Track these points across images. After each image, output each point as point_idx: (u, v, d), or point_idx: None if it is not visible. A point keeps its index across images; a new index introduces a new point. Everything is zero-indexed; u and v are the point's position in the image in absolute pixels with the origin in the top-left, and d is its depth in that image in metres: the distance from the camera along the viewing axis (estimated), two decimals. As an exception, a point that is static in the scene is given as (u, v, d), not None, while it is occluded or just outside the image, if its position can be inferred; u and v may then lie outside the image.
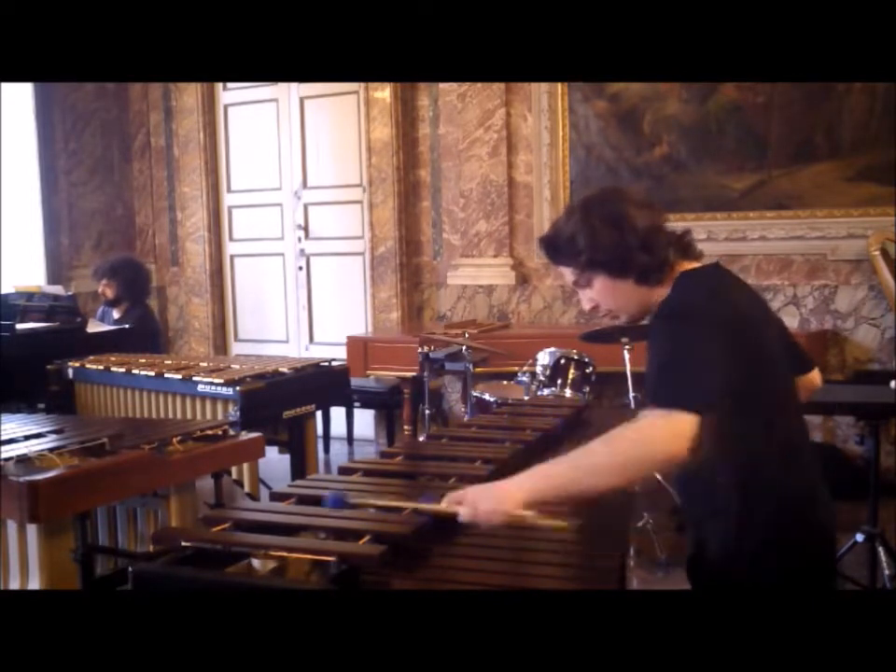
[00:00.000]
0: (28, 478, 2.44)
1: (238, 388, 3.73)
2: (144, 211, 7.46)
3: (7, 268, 6.05)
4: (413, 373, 5.25)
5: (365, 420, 6.49)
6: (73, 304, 5.21)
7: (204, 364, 4.21)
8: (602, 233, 1.87)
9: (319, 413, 4.98)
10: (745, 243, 5.49)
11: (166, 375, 3.98)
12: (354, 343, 5.71)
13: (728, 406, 1.71)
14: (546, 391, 4.36)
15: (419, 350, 4.81)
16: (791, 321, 5.32)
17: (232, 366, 4.16)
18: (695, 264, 1.94)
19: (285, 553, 1.58)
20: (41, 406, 4.37)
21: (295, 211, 6.90)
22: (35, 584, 2.53)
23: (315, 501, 1.90)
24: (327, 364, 4.30)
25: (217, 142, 7.17)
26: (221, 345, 7.30)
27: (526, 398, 4.29)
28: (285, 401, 3.95)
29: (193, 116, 7.09)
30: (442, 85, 6.23)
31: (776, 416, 1.84)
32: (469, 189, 6.18)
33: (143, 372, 4.07)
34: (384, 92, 6.32)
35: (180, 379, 3.93)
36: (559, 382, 4.39)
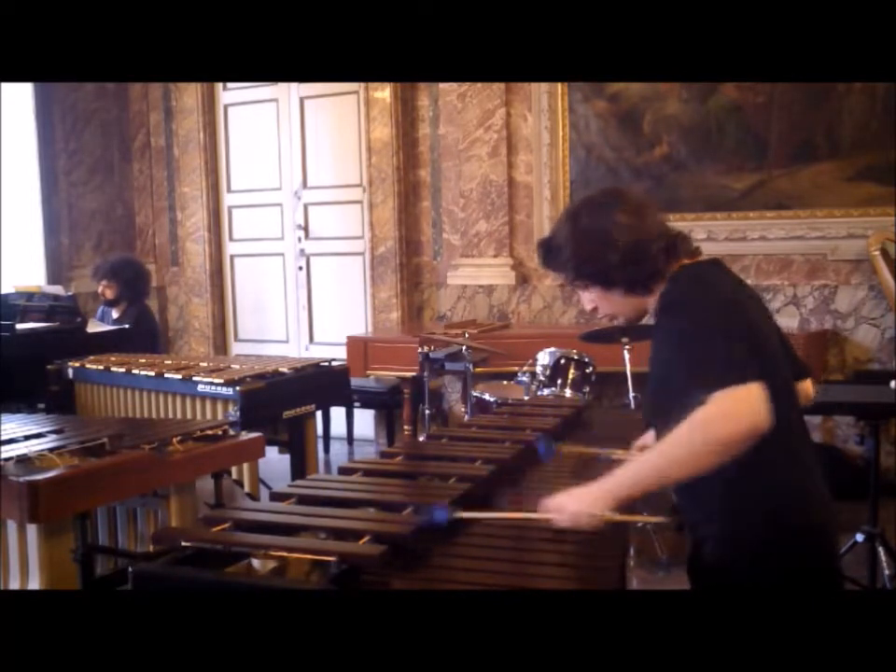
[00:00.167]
0: (28, 478, 2.44)
1: (238, 388, 3.73)
2: (144, 211, 7.46)
3: (7, 268, 6.05)
4: (413, 373, 5.25)
5: (365, 420, 6.49)
6: (73, 304, 5.21)
7: (204, 364, 4.21)
8: (585, 249, 1.90)
9: (319, 413, 4.98)
10: (745, 243, 5.49)
11: (166, 375, 3.98)
12: (354, 343, 5.71)
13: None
14: (546, 391, 4.36)
15: (419, 350, 4.81)
16: (790, 321, 5.32)
17: (232, 366, 4.16)
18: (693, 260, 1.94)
19: (285, 553, 1.58)
20: (41, 406, 4.37)
21: (295, 211, 6.90)
22: (34, 584, 2.53)
23: (316, 501, 1.90)
24: (327, 364, 4.30)
25: (216, 142, 7.17)
26: (221, 345, 7.30)
27: (526, 398, 4.29)
28: (285, 401, 3.95)
29: (193, 116, 7.09)
30: (442, 85, 6.23)
31: (776, 415, 1.83)
32: (468, 188, 6.18)
33: (143, 372, 4.07)
34: (384, 92, 6.32)
35: (180, 379, 3.93)
36: (559, 382, 4.39)
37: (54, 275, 6.78)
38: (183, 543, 1.63)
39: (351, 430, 6.36)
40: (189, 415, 3.90)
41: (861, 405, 3.51)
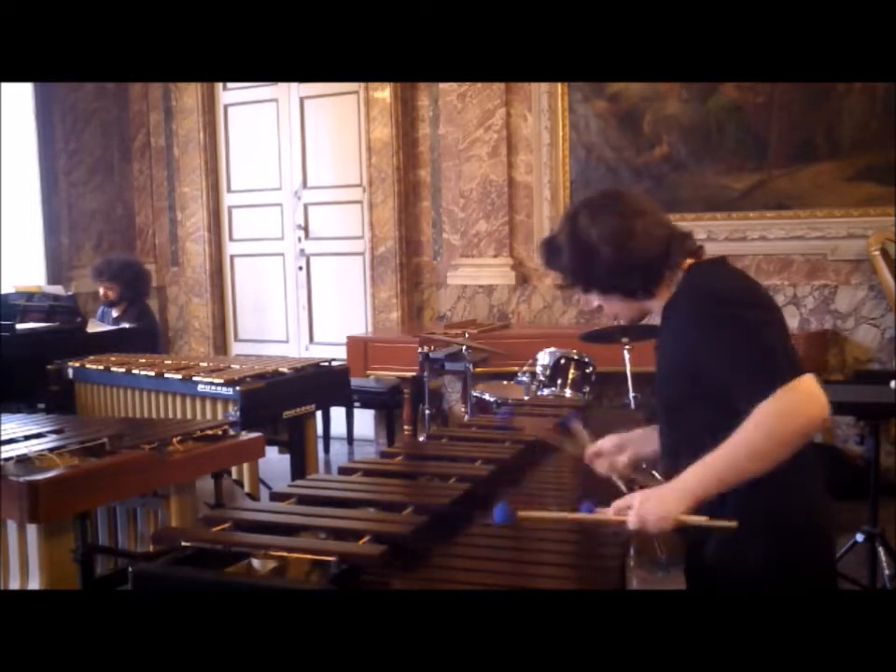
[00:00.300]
0: (28, 478, 2.44)
1: (238, 388, 3.73)
2: (144, 211, 7.46)
3: (7, 268, 6.05)
4: (413, 373, 5.25)
5: (365, 420, 6.49)
6: (73, 304, 5.22)
7: (204, 364, 4.21)
8: (579, 259, 1.90)
9: (319, 413, 4.98)
10: (745, 243, 5.49)
11: (166, 375, 3.98)
12: (354, 343, 5.71)
13: (725, 404, 1.71)
14: (546, 391, 4.36)
15: (419, 350, 4.81)
16: (791, 321, 5.32)
17: (232, 366, 4.15)
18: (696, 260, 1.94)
19: (285, 553, 1.58)
20: (41, 406, 4.37)
21: (295, 211, 6.90)
22: (35, 584, 2.53)
23: (316, 501, 1.90)
24: (327, 364, 4.30)
25: (217, 142, 7.17)
26: (221, 345, 7.30)
27: (526, 398, 4.29)
28: (285, 401, 3.95)
29: (193, 116, 7.09)
30: (442, 85, 6.23)
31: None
32: (469, 188, 6.18)
33: (143, 372, 4.07)
34: (384, 92, 6.32)
35: (180, 379, 3.93)
36: (559, 382, 4.39)
37: (54, 275, 6.78)
38: (183, 543, 1.63)
39: (351, 430, 6.36)
40: (189, 415, 3.90)
41: (861, 405, 3.51)
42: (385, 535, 1.65)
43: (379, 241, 6.48)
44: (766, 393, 1.66)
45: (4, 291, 5.40)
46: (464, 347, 4.58)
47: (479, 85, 6.03)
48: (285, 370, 4.05)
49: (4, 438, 2.84)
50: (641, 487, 1.87)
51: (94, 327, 5.21)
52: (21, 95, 6.56)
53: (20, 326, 4.78)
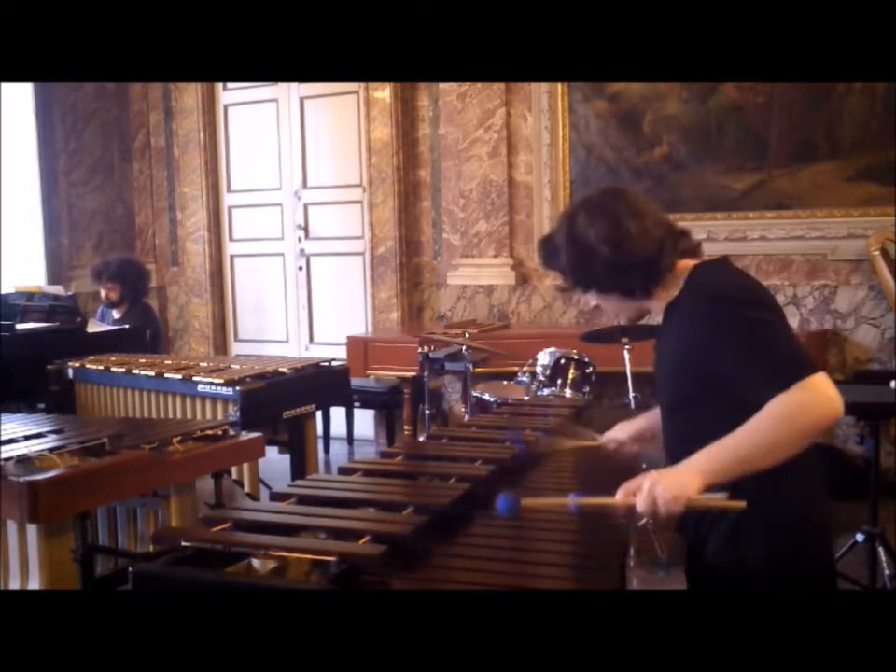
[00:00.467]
0: (28, 478, 2.44)
1: (238, 388, 3.73)
2: (144, 211, 7.46)
3: (7, 268, 6.05)
4: (413, 373, 5.25)
5: (365, 420, 6.49)
6: (73, 304, 5.21)
7: (204, 364, 4.21)
8: (578, 259, 1.91)
9: (319, 413, 4.98)
10: (745, 243, 5.49)
11: (166, 375, 3.98)
12: (354, 343, 5.71)
13: (728, 403, 1.71)
14: (546, 391, 4.36)
15: (419, 350, 4.81)
16: (791, 321, 5.30)
17: (232, 366, 4.15)
18: (698, 260, 1.94)
19: (285, 553, 1.58)
20: (41, 406, 4.37)
21: (295, 211, 6.90)
22: (34, 584, 2.53)
23: (316, 501, 1.90)
24: (327, 364, 4.30)
25: (217, 142, 7.17)
26: (221, 345, 7.30)
27: (526, 398, 4.29)
28: (285, 401, 3.95)
29: (193, 116, 7.09)
30: (442, 85, 6.23)
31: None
32: (469, 188, 6.18)
33: (143, 372, 4.07)
34: (384, 92, 6.32)
35: (180, 379, 3.93)
36: (559, 382, 4.39)
37: (54, 275, 6.78)
38: (183, 543, 1.63)
39: (351, 430, 6.36)
40: (189, 415, 3.90)
41: (861, 405, 3.51)
42: (385, 535, 1.65)
43: (379, 241, 6.48)
44: (780, 389, 1.67)
45: (4, 291, 5.40)
46: (464, 347, 4.58)
47: (479, 85, 6.03)
48: (285, 370, 4.05)
49: (4, 438, 2.84)
50: None
51: (94, 327, 5.20)
52: (21, 95, 6.56)
53: (20, 326, 4.77)
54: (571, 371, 4.41)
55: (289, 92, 6.80)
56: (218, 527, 1.71)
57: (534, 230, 5.98)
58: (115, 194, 7.30)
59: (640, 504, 1.69)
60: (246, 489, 3.66)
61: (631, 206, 1.90)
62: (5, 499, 2.45)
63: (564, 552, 1.73)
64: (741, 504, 1.68)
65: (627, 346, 4.30)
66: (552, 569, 1.66)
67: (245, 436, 3.11)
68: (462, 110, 6.15)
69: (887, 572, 3.58)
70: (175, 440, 2.86)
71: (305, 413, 4.05)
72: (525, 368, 4.55)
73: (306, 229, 6.87)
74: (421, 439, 4.30)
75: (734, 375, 1.76)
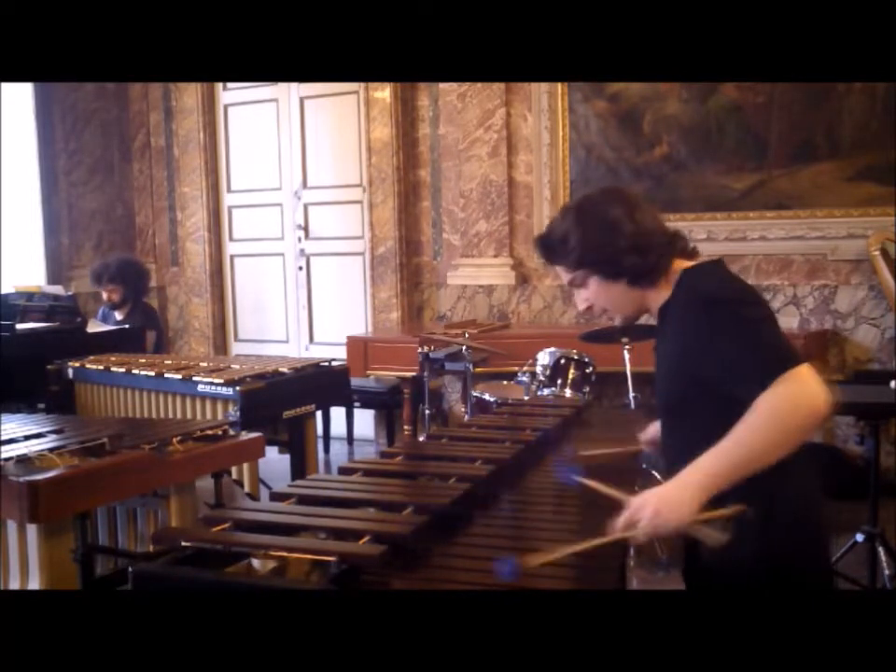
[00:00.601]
0: (28, 478, 2.44)
1: (238, 388, 3.73)
2: (144, 211, 7.46)
3: (7, 268, 6.05)
4: (413, 373, 5.25)
5: (365, 420, 6.49)
6: (73, 304, 5.22)
7: (204, 364, 4.21)
8: (593, 235, 1.88)
9: (319, 413, 4.98)
10: (745, 243, 5.49)
11: (166, 375, 3.98)
12: (354, 343, 5.72)
13: (725, 406, 1.71)
14: (546, 391, 4.36)
15: (419, 350, 4.81)
16: (791, 321, 5.32)
17: (232, 366, 4.15)
18: (692, 262, 1.94)
19: (285, 553, 1.58)
20: (41, 406, 4.37)
21: (295, 211, 6.90)
22: (34, 584, 2.53)
23: (316, 501, 1.90)
24: (327, 364, 4.30)
25: (217, 142, 7.17)
26: (221, 345, 7.30)
27: (526, 398, 4.29)
28: (285, 401, 3.95)
29: (193, 116, 7.09)
30: (442, 85, 6.23)
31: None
32: (469, 188, 6.18)
33: (143, 372, 4.07)
34: (384, 92, 6.32)
35: (180, 379, 3.93)
36: (559, 382, 4.39)
37: (54, 275, 6.78)
38: (183, 543, 1.63)
39: (351, 430, 6.36)
40: (189, 415, 3.90)
41: (861, 405, 3.51)
42: (385, 535, 1.65)
43: (379, 241, 6.48)
44: (765, 383, 1.66)
45: (4, 291, 5.40)
46: (464, 347, 4.58)
47: (479, 85, 6.03)
48: (285, 370, 4.05)
49: (4, 438, 2.84)
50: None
51: (94, 327, 5.20)
52: (21, 95, 6.57)
53: (20, 326, 4.77)
54: (571, 370, 4.41)
55: (289, 92, 6.80)
56: (218, 527, 1.71)
57: (534, 230, 5.98)
58: (115, 194, 7.30)
59: (642, 535, 1.64)
60: (246, 489, 3.66)
61: (633, 201, 1.92)
62: (5, 499, 2.45)
63: (563, 551, 1.72)
64: (741, 508, 1.66)
65: (627, 346, 4.30)
66: (551, 569, 1.66)
67: (245, 436, 3.11)
68: (462, 110, 6.15)
69: (887, 572, 3.58)
70: (175, 440, 2.86)
71: (305, 413, 4.05)
72: (525, 368, 4.55)
73: (306, 229, 6.87)
74: (421, 439, 4.30)
75: (723, 373, 1.76)
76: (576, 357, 4.44)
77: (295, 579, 1.57)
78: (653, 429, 2.18)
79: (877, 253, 5.04)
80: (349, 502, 1.90)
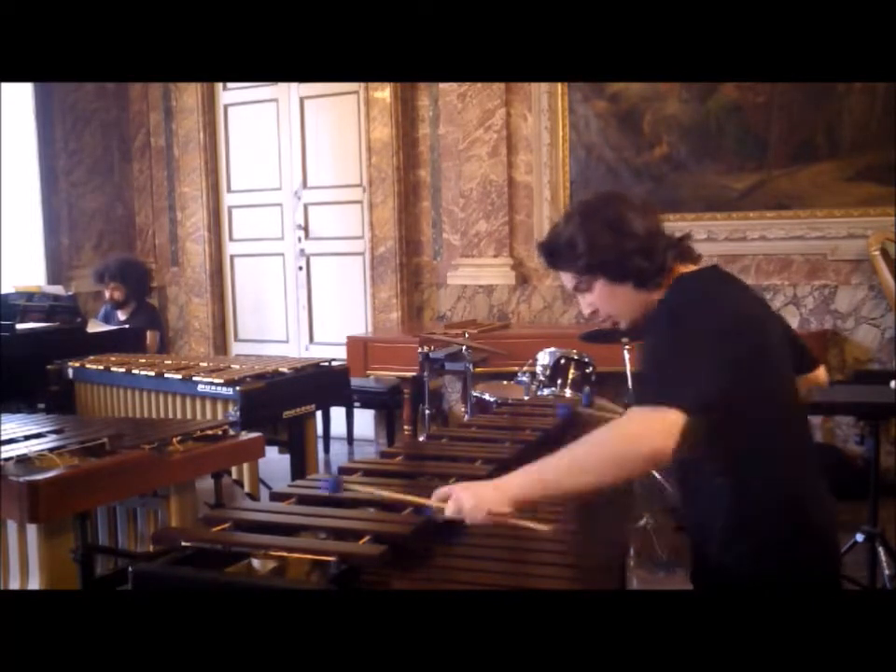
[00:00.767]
0: (28, 478, 2.44)
1: (238, 388, 3.73)
2: (144, 211, 7.46)
3: (7, 268, 6.05)
4: (413, 373, 5.25)
5: (365, 420, 6.49)
6: (73, 304, 5.22)
7: (204, 364, 4.21)
8: (600, 237, 1.87)
9: (319, 413, 4.98)
10: (745, 243, 5.49)
11: (166, 375, 3.98)
12: (354, 343, 5.71)
13: (725, 408, 1.70)
14: (546, 391, 4.36)
15: (419, 350, 4.81)
16: (790, 321, 5.31)
17: (232, 366, 4.15)
18: (693, 267, 1.93)
19: (285, 553, 1.58)
20: (41, 406, 4.37)
21: (295, 211, 6.90)
22: (34, 584, 2.53)
23: (316, 501, 1.90)
24: (327, 364, 4.30)
25: (217, 142, 7.17)
26: (221, 345, 7.30)
27: (526, 398, 4.29)
28: (285, 401, 3.95)
29: (193, 116, 7.09)
30: (442, 85, 6.23)
31: (775, 418, 1.83)
32: (469, 188, 6.18)
33: (143, 372, 4.07)
34: (384, 92, 6.32)
35: (180, 379, 3.93)
36: (559, 382, 4.38)
37: (54, 275, 6.78)
38: (183, 543, 1.63)
39: (351, 430, 6.36)
40: (189, 415, 3.90)
41: (861, 405, 3.51)
42: (385, 535, 1.65)
43: (379, 241, 6.48)
44: (640, 404, 1.63)
45: (4, 291, 5.40)
46: (464, 347, 4.58)
47: (479, 85, 6.03)
48: (285, 370, 4.05)
49: (4, 438, 2.84)
50: None
51: (94, 327, 5.20)
52: (21, 95, 6.56)
53: (20, 326, 4.77)
54: (571, 370, 4.41)
55: (289, 92, 6.80)
56: (218, 527, 1.71)
57: (534, 230, 5.98)
58: (115, 194, 7.30)
59: (448, 511, 1.68)
60: (246, 489, 3.66)
61: (636, 204, 1.91)
62: (5, 499, 2.45)
63: (564, 552, 1.73)
64: (545, 528, 1.65)
65: (627, 346, 4.30)
66: (552, 569, 1.66)
67: (245, 436, 3.12)
68: (462, 110, 6.15)
69: (887, 572, 3.58)
70: (174, 440, 2.86)
71: (305, 413, 4.05)
72: (525, 368, 4.55)
73: (306, 229, 6.87)
74: (421, 439, 4.30)
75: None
76: (576, 357, 4.44)
77: (295, 579, 1.57)
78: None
79: (877, 253, 5.05)
80: (349, 502, 1.90)
